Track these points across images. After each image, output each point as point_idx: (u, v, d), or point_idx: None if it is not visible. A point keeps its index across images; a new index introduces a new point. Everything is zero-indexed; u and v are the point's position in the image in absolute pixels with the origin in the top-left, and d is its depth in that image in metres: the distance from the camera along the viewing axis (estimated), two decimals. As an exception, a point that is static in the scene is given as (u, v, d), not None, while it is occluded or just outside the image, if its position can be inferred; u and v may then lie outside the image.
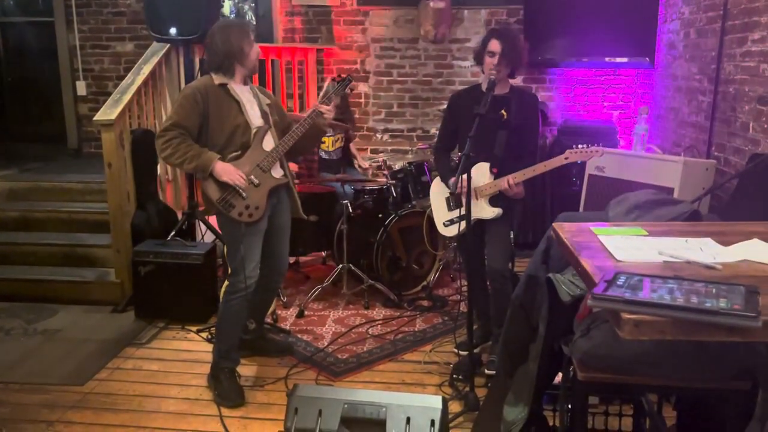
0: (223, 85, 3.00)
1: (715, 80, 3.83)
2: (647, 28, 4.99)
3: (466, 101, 3.25)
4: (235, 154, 2.97)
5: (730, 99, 3.67)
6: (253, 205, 2.97)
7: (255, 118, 3.04)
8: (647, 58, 5.01)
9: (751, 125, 3.42)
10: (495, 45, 3.12)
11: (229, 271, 3.09)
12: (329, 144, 4.73)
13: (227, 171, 2.90)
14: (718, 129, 3.82)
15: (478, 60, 3.23)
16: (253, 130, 3.01)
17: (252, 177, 2.96)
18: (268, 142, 3.06)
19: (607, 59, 5.23)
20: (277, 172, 3.09)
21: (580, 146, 3.08)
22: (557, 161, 3.09)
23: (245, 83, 3.09)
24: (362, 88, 5.84)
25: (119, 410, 2.98)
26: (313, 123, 3.13)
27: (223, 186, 2.92)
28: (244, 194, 2.93)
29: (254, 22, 5.84)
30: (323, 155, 4.72)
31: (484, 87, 3.24)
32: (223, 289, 3.19)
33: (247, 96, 3.06)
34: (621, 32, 5.10)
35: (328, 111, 3.18)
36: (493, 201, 3.22)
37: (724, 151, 3.74)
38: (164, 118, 4.60)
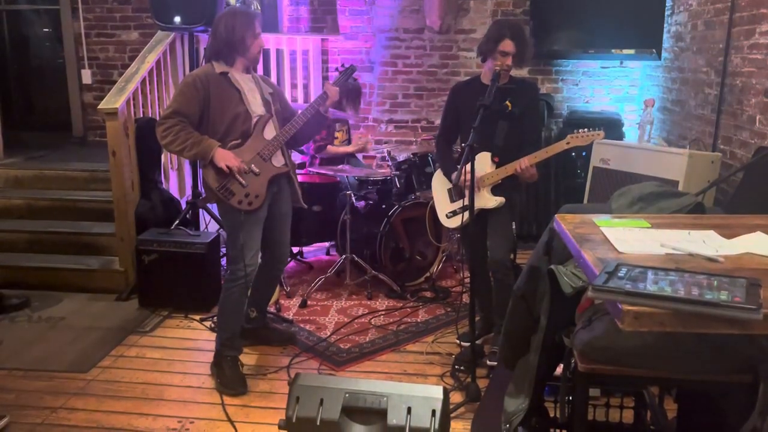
0: (224, 74, 2.99)
1: (722, 73, 3.81)
2: (654, 19, 4.94)
3: (467, 93, 3.24)
4: (235, 142, 2.97)
5: (737, 92, 3.65)
6: (253, 194, 2.97)
7: (256, 107, 3.04)
8: (654, 50, 4.97)
9: (757, 118, 3.39)
10: (509, 45, 3.08)
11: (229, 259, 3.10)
12: (341, 138, 4.74)
13: (225, 157, 2.90)
14: (725, 122, 3.80)
15: (486, 54, 3.18)
16: (254, 119, 3.00)
17: (252, 166, 2.96)
18: (270, 131, 3.06)
19: (613, 51, 5.19)
20: (278, 161, 3.08)
21: (580, 131, 3.08)
22: (559, 147, 3.09)
23: (247, 72, 3.09)
24: (367, 78, 5.82)
25: (122, 397, 3.00)
26: (316, 111, 3.12)
27: (223, 174, 2.92)
28: (243, 182, 2.93)
29: (260, 11, 5.82)
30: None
31: (485, 79, 3.23)
32: (226, 278, 3.20)
33: (249, 85, 3.06)
34: (628, 24, 5.06)
35: (333, 91, 3.14)
36: (496, 190, 3.22)
37: (730, 144, 3.72)
38: (168, 106, 4.61)
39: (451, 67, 5.74)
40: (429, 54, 5.74)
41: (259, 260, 3.19)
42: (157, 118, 4.45)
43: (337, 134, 4.70)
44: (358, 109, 4.81)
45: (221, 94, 2.96)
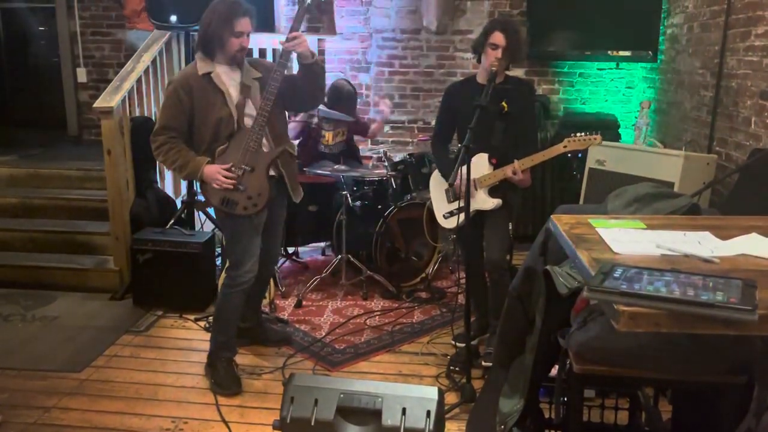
0: (207, 74, 2.87)
1: (718, 74, 3.81)
2: (651, 21, 4.96)
3: (462, 93, 3.25)
4: (222, 147, 2.89)
5: (732, 94, 3.66)
6: (255, 193, 2.91)
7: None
8: (650, 52, 4.98)
9: (753, 120, 3.40)
10: (499, 38, 3.08)
11: (227, 264, 3.08)
12: (329, 138, 4.59)
13: (213, 175, 2.84)
14: (720, 124, 3.81)
15: (478, 50, 3.20)
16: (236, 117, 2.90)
17: (243, 165, 2.87)
18: (249, 119, 2.91)
19: (609, 52, 5.21)
20: (266, 146, 2.96)
21: (578, 134, 3.07)
22: (556, 150, 3.09)
23: (230, 64, 2.93)
24: (363, 79, 5.81)
25: (116, 397, 2.98)
26: (285, 67, 2.89)
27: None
28: (241, 187, 2.88)
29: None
30: (323, 149, 4.64)
31: (480, 78, 3.23)
32: (221, 279, 3.18)
33: (230, 81, 2.92)
34: (624, 26, 5.07)
35: (295, 38, 2.84)
36: (493, 192, 3.22)
37: (725, 146, 3.72)
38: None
39: (447, 67, 5.74)
40: (426, 54, 5.74)
41: None
42: (153, 118, 4.46)
43: (325, 134, 4.60)
44: (353, 113, 4.75)
45: (205, 99, 2.86)
